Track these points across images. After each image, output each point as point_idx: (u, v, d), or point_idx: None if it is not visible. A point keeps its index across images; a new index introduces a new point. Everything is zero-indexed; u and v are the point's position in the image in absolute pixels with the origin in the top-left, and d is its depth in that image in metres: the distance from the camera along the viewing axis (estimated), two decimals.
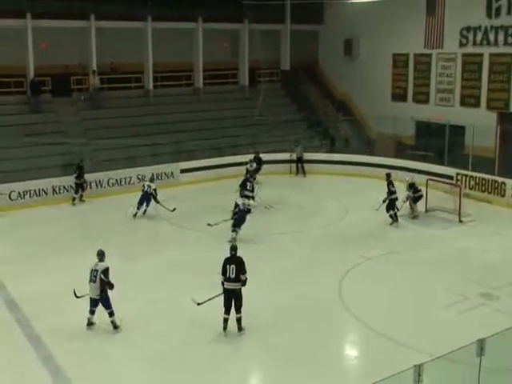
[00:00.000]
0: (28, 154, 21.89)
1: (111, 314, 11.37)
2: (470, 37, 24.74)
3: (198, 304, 11.87)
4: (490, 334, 7.32)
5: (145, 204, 19.30)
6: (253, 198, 19.58)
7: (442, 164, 23.17)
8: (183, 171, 23.66)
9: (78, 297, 11.59)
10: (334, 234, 18.00)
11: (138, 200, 19.19)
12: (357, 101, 29.43)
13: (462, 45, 25.11)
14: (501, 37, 23.65)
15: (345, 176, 24.38)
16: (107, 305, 11.33)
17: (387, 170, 22.05)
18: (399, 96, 28.00)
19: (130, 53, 26.62)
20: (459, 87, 25.47)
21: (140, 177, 22.64)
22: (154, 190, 19.36)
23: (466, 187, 21.36)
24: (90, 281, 11.26)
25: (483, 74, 24.46)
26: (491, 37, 23.98)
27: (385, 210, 18.59)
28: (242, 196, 19.09)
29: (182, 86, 28.65)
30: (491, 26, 23.89)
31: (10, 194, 19.96)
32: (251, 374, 10.90)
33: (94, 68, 25.68)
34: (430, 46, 26.35)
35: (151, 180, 19.93)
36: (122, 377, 10.24)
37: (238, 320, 11.56)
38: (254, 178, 20.94)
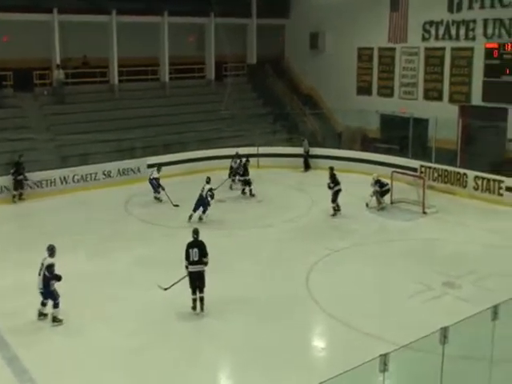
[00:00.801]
0: None
1: (55, 306, 11.54)
2: (433, 31, 25.03)
3: (165, 289, 12.26)
4: (452, 323, 7.35)
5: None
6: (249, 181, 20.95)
7: (406, 156, 23.42)
8: (150, 166, 23.32)
9: (165, 289, 12.11)
10: (302, 227, 18.04)
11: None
12: (323, 94, 29.56)
13: (424, 39, 25.38)
14: (462, 31, 23.96)
15: (312, 169, 24.63)
16: (52, 297, 11.52)
17: (353, 163, 22.47)
18: (364, 90, 28.20)
19: (95, 47, 26.31)
20: (422, 81, 25.78)
21: (105, 173, 22.42)
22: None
23: (429, 179, 21.64)
24: (38, 274, 11.49)
25: (445, 68, 24.79)
26: (453, 31, 24.27)
27: (350, 202, 18.78)
28: (239, 182, 21.37)
29: (147, 81, 28.43)
30: (453, 21, 24.18)
31: None
32: (218, 368, 10.81)
33: (58, 62, 25.31)
34: (394, 41, 26.57)
35: (208, 181, 18.77)
36: (89, 376, 10.06)
37: (201, 299, 12.07)
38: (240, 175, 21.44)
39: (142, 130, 24.25)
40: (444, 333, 7.14)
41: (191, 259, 11.99)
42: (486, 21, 23.07)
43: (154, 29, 27.73)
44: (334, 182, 18.88)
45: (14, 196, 20.10)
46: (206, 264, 12.03)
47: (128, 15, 26.29)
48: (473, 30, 23.55)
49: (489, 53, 22.99)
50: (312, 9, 29.24)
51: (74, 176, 21.69)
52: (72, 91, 25.78)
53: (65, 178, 21.40)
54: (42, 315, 11.63)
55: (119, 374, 10.04)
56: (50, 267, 11.36)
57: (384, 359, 6.56)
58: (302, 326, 11.99)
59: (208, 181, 18.53)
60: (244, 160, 21.84)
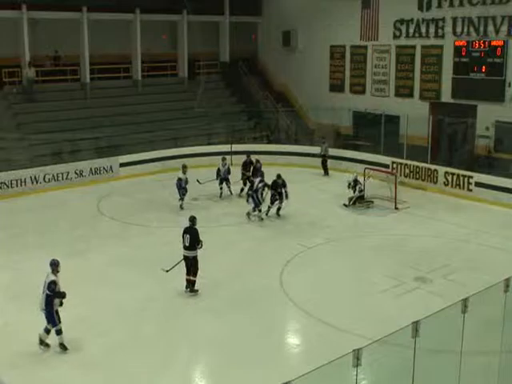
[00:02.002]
0: None
1: (57, 333, 10.48)
2: (403, 29, 25.20)
3: (167, 271, 12.97)
4: (424, 316, 7.35)
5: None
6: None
7: (378, 153, 23.59)
8: (122, 165, 23.30)
9: (167, 271, 12.65)
10: (276, 224, 18.14)
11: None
12: (296, 92, 29.66)
13: (395, 37, 25.54)
14: (432, 29, 24.17)
15: (285, 166, 24.10)
16: (52, 320, 10.45)
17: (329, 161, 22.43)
18: (337, 87, 28.29)
19: (66, 44, 26.09)
20: (393, 78, 25.92)
21: (77, 172, 22.19)
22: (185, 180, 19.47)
23: (401, 175, 21.92)
24: (42, 292, 10.47)
25: (416, 66, 24.98)
26: (423, 29, 24.47)
27: (325, 199, 18.91)
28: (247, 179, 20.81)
29: (120, 79, 28.22)
30: (423, 19, 24.38)
31: None
32: (193, 364, 10.80)
33: (28, 60, 24.94)
34: (366, 38, 26.71)
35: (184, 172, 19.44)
36: (64, 378, 10.02)
37: (189, 281, 12.90)
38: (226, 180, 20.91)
39: (115, 129, 24.06)
40: (415, 327, 7.15)
41: (184, 244, 12.87)
42: (455, 19, 23.32)
43: (126, 26, 27.56)
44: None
45: None
46: (195, 251, 12.84)
47: (99, 12, 26.01)
48: (442, 28, 23.79)
49: (458, 50, 23.26)
50: (284, 7, 29.36)
51: (45, 175, 21.45)
52: (42, 89, 25.46)
53: (35, 177, 21.14)
54: (43, 344, 10.58)
55: (94, 372, 10.01)
56: (51, 284, 10.36)
57: (357, 354, 6.54)
58: (277, 323, 12.06)
59: (184, 171, 19.04)
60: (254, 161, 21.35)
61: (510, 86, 21.85)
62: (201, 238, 12.88)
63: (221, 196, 20.66)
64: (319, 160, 23.99)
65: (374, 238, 17.07)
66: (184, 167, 19.20)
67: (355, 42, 27.10)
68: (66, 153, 22.54)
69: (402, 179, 21.39)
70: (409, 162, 22.42)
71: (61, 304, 10.51)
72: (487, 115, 22.34)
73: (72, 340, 10.94)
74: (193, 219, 13.09)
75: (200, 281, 13.27)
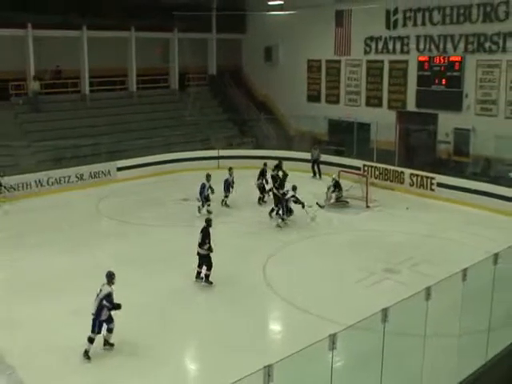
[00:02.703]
0: None
1: (108, 331, 10.27)
2: (373, 45, 25.31)
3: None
4: (392, 304, 7.36)
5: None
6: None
7: (351, 157, 23.64)
8: (120, 169, 23.17)
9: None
10: (258, 223, 18.00)
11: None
12: (276, 102, 29.57)
13: (366, 52, 25.65)
14: (398, 46, 24.32)
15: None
16: (99, 326, 10.14)
17: (306, 164, 22.53)
18: (314, 97, 28.27)
19: (68, 60, 25.91)
20: (364, 89, 26.02)
21: (78, 175, 22.06)
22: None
23: (371, 177, 21.99)
24: (95, 299, 10.13)
25: (384, 78, 25.10)
26: (390, 46, 24.61)
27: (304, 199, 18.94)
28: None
29: (116, 90, 28.03)
30: (390, 37, 24.52)
31: None
32: (181, 351, 10.80)
33: (33, 74, 24.77)
34: (340, 53, 26.75)
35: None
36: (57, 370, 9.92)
37: (206, 275, 13.11)
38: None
39: (112, 136, 23.86)
40: (385, 313, 7.20)
41: (199, 241, 13.11)
42: (418, 37, 23.50)
43: (122, 42, 27.36)
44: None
45: None
46: (206, 249, 12.98)
47: (98, 30, 25.78)
48: (407, 44, 23.94)
49: (421, 65, 23.44)
50: (266, 25, 29.26)
51: (48, 179, 21.27)
52: (46, 100, 25.23)
53: (40, 181, 20.95)
54: (107, 344, 10.36)
55: (91, 366, 10.04)
56: (109, 296, 9.98)
57: (332, 338, 6.58)
58: (260, 313, 12.13)
59: (208, 179, 18.50)
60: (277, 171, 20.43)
61: (466, 96, 22.10)
62: (211, 244, 13.00)
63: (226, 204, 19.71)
64: (304, 163, 24.02)
65: (348, 234, 17.15)
66: (208, 176, 18.51)
67: (330, 56, 27.12)
68: (68, 158, 22.31)
69: (372, 180, 21.48)
70: (378, 165, 22.56)
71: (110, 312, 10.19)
72: (447, 123, 22.59)
73: (71, 331, 10.86)
74: (208, 221, 13.34)
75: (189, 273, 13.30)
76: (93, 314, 10.02)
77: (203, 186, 18.31)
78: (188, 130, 26.39)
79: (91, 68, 26.30)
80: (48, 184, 21.31)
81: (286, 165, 23.25)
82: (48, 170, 21.51)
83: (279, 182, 19.23)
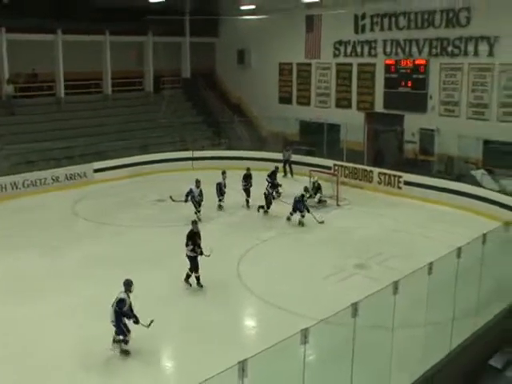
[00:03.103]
0: None
1: (119, 341, 10.11)
2: (342, 49, 25.44)
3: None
4: (362, 298, 7.43)
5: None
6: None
7: (322, 156, 23.75)
8: (96, 171, 22.90)
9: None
10: (235, 222, 18.15)
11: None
12: (249, 104, 29.59)
13: (335, 56, 25.77)
14: (366, 49, 24.52)
15: (241, 169, 24.23)
16: (121, 332, 10.03)
17: (277, 164, 22.54)
18: (285, 99, 28.32)
19: (44, 63, 25.56)
20: (334, 91, 26.15)
21: (54, 178, 21.75)
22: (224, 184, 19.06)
23: (341, 176, 22.07)
24: (111, 305, 10.01)
25: (353, 81, 25.27)
26: (358, 49, 24.79)
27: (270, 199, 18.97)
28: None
29: (91, 93, 27.77)
30: (358, 41, 24.70)
31: None
32: (156, 348, 10.73)
33: (7, 77, 24.39)
34: (310, 57, 26.85)
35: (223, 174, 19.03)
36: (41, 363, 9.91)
37: (196, 277, 12.92)
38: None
39: (88, 139, 23.69)
40: (355, 307, 7.25)
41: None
42: (385, 41, 23.74)
43: (97, 46, 27.08)
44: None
45: None
46: (189, 250, 12.77)
47: (73, 34, 25.59)
48: (374, 48, 24.15)
49: (388, 68, 23.67)
50: (238, 29, 29.26)
51: (23, 181, 20.88)
52: (21, 104, 24.82)
53: (15, 183, 20.57)
54: (123, 353, 10.12)
55: (72, 361, 9.96)
56: (120, 302, 9.85)
57: (304, 333, 6.64)
58: (234, 309, 12.18)
59: (198, 185, 17.90)
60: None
61: (431, 98, 22.39)
62: (200, 243, 12.88)
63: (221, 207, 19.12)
64: (276, 163, 23.82)
65: (320, 231, 17.23)
66: (197, 181, 18.00)
67: (301, 60, 27.21)
68: (44, 160, 21.94)
69: (342, 179, 21.60)
70: (348, 165, 22.71)
71: (135, 322, 10.05)
72: (413, 123, 22.84)
73: (50, 327, 10.89)
74: (192, 223, 13.24)
75: (168, 279, 13.31)
76: (112, 322, 9.92)
77: (191, 191, 17.84)
78: (163, 132, 26.31)
79: (66, 71, 25.98)
80: (24, 186, 20.93)
81: (258, 165, 23.35)
82: (23, 172, 21.10)
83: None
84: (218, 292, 12.86)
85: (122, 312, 9.84)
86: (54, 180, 21.79)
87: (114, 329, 10.04)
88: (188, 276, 12.96)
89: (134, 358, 10.11)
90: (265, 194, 18.72)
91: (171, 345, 11.12)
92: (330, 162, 23.03)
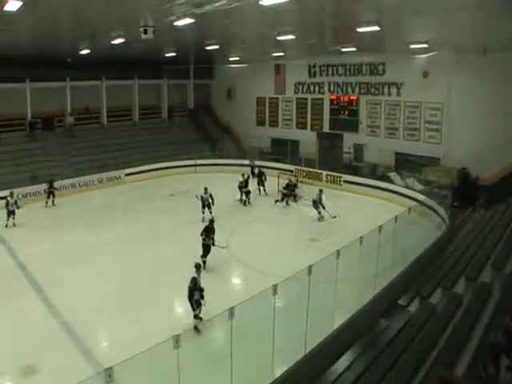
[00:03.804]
0: (28, 168, 20.34)
1: (195, 316, 9.14)
2: (300, 88, 25.44)
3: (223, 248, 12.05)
4: (314, 262, 7.56)
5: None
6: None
7: (287, 163, 23.68)
8: (127, 175, 22.80)
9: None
10: (224, 209, 17.69)
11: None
12: (235, 126, 29.40)
13: (295, 92, 25.74)
14: (316, 88, 24.58)
15: (229, 172, 23.64)
16: (192, 306, 9.19)
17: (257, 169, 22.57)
18: (261, 122, 28.14)
19: (93, 100, 25.38)
20: (295, 117, 26.11)
21: (98, 180, 21.62)
22: (207, 198, 16.11)
23: (300, 176, 22.09)
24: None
25: (308, 110, 25.24)
26: (311, 88, 24.83)
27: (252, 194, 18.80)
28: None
29: (125, 121, 27.40)
30: (311, 82, 24.71)
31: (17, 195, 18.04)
32: (171, 304, 10.46)
33: (69, 111, 24.33)
34: (278, 93, 26.76)
35: (205, 191, 16.28)
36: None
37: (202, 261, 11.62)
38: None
39: (121, 152, 23.55)
40: (310, 268, 7.40)
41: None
42: (329, 83, 23.84)
43: (128, 87, 26.84)
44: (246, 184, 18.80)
45: (46, 202, 18.54)
46: (203, 239, 11.81)
47: (112, 80, 25.40)
48: (322, 88, 24.22)
49: (332, 101, 23.77)
50: (228, 74, 29.16)
51: (79, 183, 20.85)
52: (78, 129, 24.56)
53: (74, 184, 20.54)
54: (195, 329, 8.86)
55: (110, 307, 9.92)
56: (192, 281, 9.16)
57: (275, 287, 6.78)
58: (225, 272, 12.05)
59: (205, 190, 16.25)
60: (246, 176, 19.13)
61: (361, 123, 22.58)
62: (213, 236, 11.89)
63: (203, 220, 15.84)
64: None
65: (286, 216, 17.07)
66: (205, 189, 16.25)
67: (271, 95, 27.13)
68: (92, 168, 21.77)
69: (301, 179, 21.64)
70: (305, 168, 22.68)
71: (201, 297, 9.19)
72: (349, 140, 23.00)
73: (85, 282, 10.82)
74: (210, 221, 12.28)
75: (178, 250, 13.09)
76: (189, 299, 9.21)
77: (202, 198, 16.07)
78: (174, 147, 26.05)
79: (108, 106, 25.84)
80: (79, 186, 20.85)
81: (240, 169, 22.94)
82: (79, 176, 21.06)
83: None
84: (214, 257, 12.60)
85: (194, 288, 9.04)
86: (98, 181, 21.69)
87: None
88: (204, 262, 11.77)
89: (144, 311, 9.84)
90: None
91: (177, 292, 10.69)
92: (292, 167, 23.01)
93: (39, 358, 8.12)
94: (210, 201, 16.09)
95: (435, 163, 19.50)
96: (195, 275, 9.25)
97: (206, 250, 11.93)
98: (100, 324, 9.54)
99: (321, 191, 16.80)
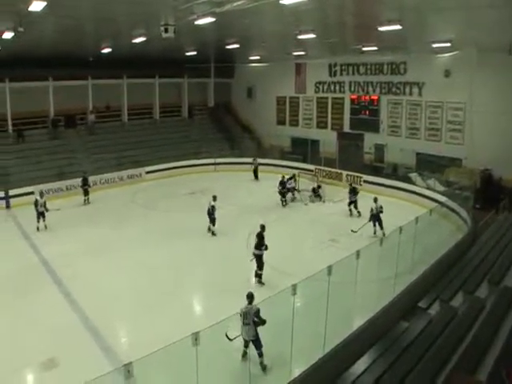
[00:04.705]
0: (51, 165, 20.83)
1: (260, 355, 7.74)
2: (321, 87, 25.30)
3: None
4: (334, 262, 7.51)
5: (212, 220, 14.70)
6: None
7: (307, 162, 23.63)
8: (148, 172, 23.05)
9: (230, 339, 7.30)
10: (243, 207, 17.85)
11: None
12: (255, 125, 29.45)
13: (316, 91, 25.61)
14: (337, 87, 24.42)
15: (250, 171, 23.50)
16: (259, 345, 7.71)
17: (276, 168, 22.51)
18: (281, 122, 28.09)
19: (114, 99, 25.75)
20: (315, 116, 25.98)
21: (119, 177, 21.86)
22: (213, 206, 14.59)
23: (320, 176, 21.99)
24: (245, 323, 7.49)
25: (328, 109, 25.09)
26: (332, 87, 24.68)
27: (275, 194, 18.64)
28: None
29: (145, 119, 27.74)
30: (331, 81, 24.59)
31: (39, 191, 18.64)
32: (191, 302, 10.68)
33: (91, 109, 24.71)
34: (298, 92, 26.66)
35: (214, 199, 14.75)
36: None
37: (258, 275, 10.98)
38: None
39: (142, 150, 23.79)
40: (330, 269, 7.35)
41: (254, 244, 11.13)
42: (350, 82, 23.66)
43: (150, 86, 27.13)
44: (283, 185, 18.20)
45: (84, 201, 18.64)
46: (260, 250, 10.88)
47: (132, 78, 25.68)
48: (343, 87, 24.05)
49: (352, 101, 23.60)
50: (248, 73, 29.22)
51: (100, 180, 21.18)
52: (99, 127, 25.00)
53: (95, 181, 20.72)
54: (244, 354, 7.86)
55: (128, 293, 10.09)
56: (258, 312, 7.37)
57: (294, 287, 6.75)
58: (244, 269, 11.78)
59: (214, 198, 14.78)
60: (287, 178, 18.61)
61: (382, 123, 22.34)
62: (265, 243, 11.06)
63: (209, 230, 14.87)
64: (274, 167, 23.83)
65: (305, 215, 17.10)
66: (214, 197, 14.83)
67: (292, 94, 27.04)
68: (113, 166, 22.10)
69: (321, 179, 21.54)
70: (325, 168, 22.57)
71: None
72: (370, 140, 22.80)
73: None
74: (262, 226, 11.28)
75: (198, 249, 13.25)
76: (253, 337, 7.64)
77: (213, 207, 14.64)
78: (194, 145, 26.25)
79: (129, 104, 26.16)
80: (100, 183, 21.21)
81: (260, 168, 23.17)
82: (100, 173, 21.35)
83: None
84: (230, 258, 12.69)
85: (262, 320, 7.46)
86: (119, 179, 21.98)
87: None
88: (258, 275, 11.02)
89: (166, 298, 10.09)
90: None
91: (197, 290, 11.16)
92: (312, 167, 22.93)
93: (60, 352, 8.29)
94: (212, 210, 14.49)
95: (457, 164, 19.17)
96: (257, 306, 7.38)
97: (261, 261, 11.07)
98: (120, 320, 9.72)
99: (376, 200, 14.72)
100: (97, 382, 4.75)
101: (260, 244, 10.94)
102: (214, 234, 14.55)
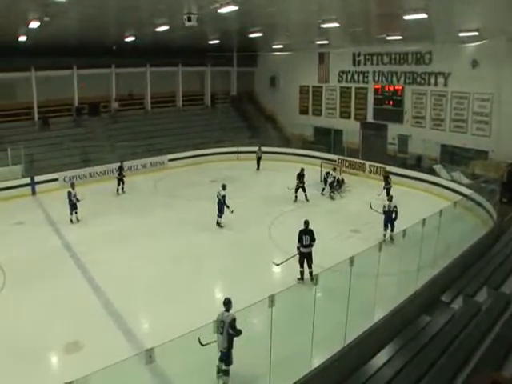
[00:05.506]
0: (75, 152, 21.16)
1: (226, 373, 6.90)
2: (344, 77, 25.03)
3: (277, 265, 10.57)
4: (355, 253, 7.37)
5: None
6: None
7: (330, 152, 23.40)
8: (170, 160, 23.19)
9: (203, 345, 6.37)
10: (264, 197, 17.80)
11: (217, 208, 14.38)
12: (278, 114, 29.30)
13: (339, 81, 25.35)
14: (361, 77, 24.07)
15: (271, 161, 23.53)
16: (229, 361, 6.88)
17: (299, 158, 22.25)
18: (304, 111, 27.96)
19: (137, 87, 25.98)
20: (339, 106, 25.73)
21: (142, 165, 21.99)
22: (223, 196, 14.27)
23: (343, 166, 21.77)
24: (220, 333, 6.71)
25: (352, 99, 24.81)
26: (355, 77, 24.36)
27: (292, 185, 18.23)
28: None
29: (169, 107, 27.90)
30: (355, 71, 24.25)
31: (64, 178, 19.23)
32: (212, 290, 10.77)
33: (114, 97, 24.99)
34: (321, 81, 26.45)
35: (223, 188, 14.42)
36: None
37: (311, 273, 10.21)
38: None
39: (165, 138, 23.91)
40: (351, 260, 7.29)
41: (304, 243, 10.41)
42: (374, 72, 23.28)
43: (172, 74, 27.24)
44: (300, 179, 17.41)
45: (117, 190, 18.36)
46: (311, 247, 10.42)
47: (155, 67, 25.84)
48: (367, 77, 23.70)
49: (376, 91, 23.26)
50: (271, 62, 29.01)
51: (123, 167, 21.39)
52: (122, 115, 25.29)
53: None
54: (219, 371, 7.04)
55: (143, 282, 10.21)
56: (233, 322, 6.64)
57: (316, 277, 6.81)
58: (266, 256, 11.92)
59: (223, 187, 14.35)
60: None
61: (405, 113, 21.94)
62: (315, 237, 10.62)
63: (218, 223, 14.54)
64: (296, 156, 23.75)
65: (325, 206, 16.98)
66: (224, 186, 14.40)
67: (315, 83, 26.83)
68: (136, 153, 22.30)
69: (344, 169, 21.23)
70: (348, 158, 22.36)
71: None
72: (393, 131, 22.49)
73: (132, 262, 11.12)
74: (307, 222, 10.74)
75: (219, 237, 13.33)
76: (224, 349, 6.85)
77: (223, 197, 14.25)
78: (216, 134, 26.26)
79: (152, 92, 26.33)
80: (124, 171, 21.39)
81: (283, 158, 23.11)
82: (124, 161, 21.44)
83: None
84: (254, 243, 12.77)
85: (237, 331, 6.77)
86: (142, 166, 22.14)
87: None
88: (302, 274, 10.41)
89: (181, 289, 10.17)
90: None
91: (218, 280, 11.16)
92: (335, 157, 22.67)
93: (83, 336, 8.42)
94: (223, 201, 14.10)
95: (483, 157, 18.67)
96: (233, 315, 6.63)
97: (305, 257, 10.53)
98: (142, 306, 9.85)
99: (391, 199, 13.76)
100: (119, 366, 4.83)
101: (312, 240, 10.43)
102: (220, 225, 14.23)
